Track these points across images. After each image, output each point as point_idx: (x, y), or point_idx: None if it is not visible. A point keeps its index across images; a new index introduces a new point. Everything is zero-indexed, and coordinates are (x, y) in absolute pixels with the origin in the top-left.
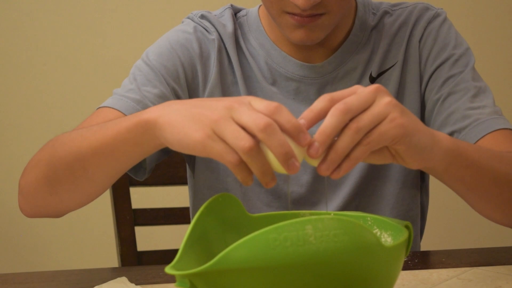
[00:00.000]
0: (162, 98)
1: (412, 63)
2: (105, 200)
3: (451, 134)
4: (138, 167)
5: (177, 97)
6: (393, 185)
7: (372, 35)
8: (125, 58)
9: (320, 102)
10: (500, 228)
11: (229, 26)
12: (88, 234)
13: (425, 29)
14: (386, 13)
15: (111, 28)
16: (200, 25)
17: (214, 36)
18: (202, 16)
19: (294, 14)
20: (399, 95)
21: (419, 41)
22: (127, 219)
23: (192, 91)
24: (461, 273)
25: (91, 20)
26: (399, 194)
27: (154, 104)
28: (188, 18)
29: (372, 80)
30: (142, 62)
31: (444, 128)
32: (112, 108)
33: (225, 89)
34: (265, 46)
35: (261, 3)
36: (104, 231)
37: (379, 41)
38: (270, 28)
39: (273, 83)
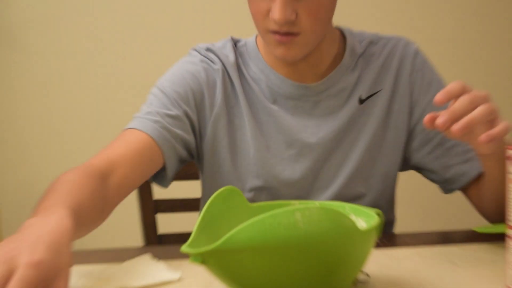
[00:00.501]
0: (176, 119)
1: (401, 94)
2: (132, 193)
3: (456, 164)
4: (163, 178)
5: (188, 117)
6: (373, 192)
7: (359, 61)
8: (146, 80)
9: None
10: (453, 215)
11: (231, 56)
12: (118, 220)
13: (413, 64)
14: (371, 42)
15: (140, 56)
16: (206, 57)
17: (218, 66)
18: (208, 49)
19: (275, 33)
20: (385, 118)
21: (410, 75)
22: (150, 207)
23: (199, 113)
24: (421, 251)
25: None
26: (377, 201)
27: (170, 124)
28: (195, 50)
29: (361, 102)
30: (157, 89)
31: (447, 157)
32: (135, 129)
33: (229, 111)
34: (264, 71)
35: (256, 32)
36: (130, 217)
37: (366, 67)
38: (267, 55)
39: (274, 102)
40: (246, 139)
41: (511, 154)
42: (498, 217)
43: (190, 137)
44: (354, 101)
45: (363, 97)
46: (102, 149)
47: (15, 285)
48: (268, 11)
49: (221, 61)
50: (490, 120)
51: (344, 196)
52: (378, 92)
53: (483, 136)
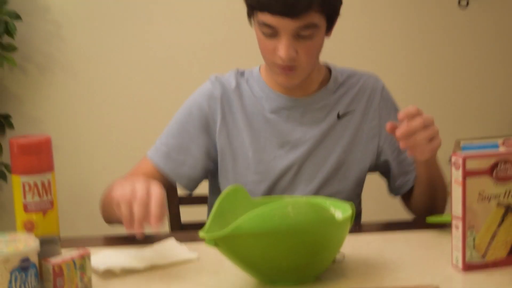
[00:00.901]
0: (181, 148)
1: (372, 117)
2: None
3: (401, 175)
4: (184, 188)
5: (197, 141)
6: (347, 191)
7: (340, 88)
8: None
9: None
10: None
11: (233, 83)
12: None
13: (381, 96)
14: (349, 76)
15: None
16: (212, 85)
17: (218, 92)
18: (216, 78)
19: (280, 65)
20: (357, 133)
21: (378, 103)
22: (175, 202)
23: (209, 133)
24: (385, 236)
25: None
26: (349, 194)
27: (177, 153)
28: (209, 79)
29: (339, 117)
30: (174, 118)
31: (397, 169)
32: (150, 159)
33: (227, 126)
34: (265, 90)
35: (261, 62)
36: None
37: (344, 92)
38: (267, 78)
39: (272, 112)
40: (245, 145)
41: (454, 160)
42: (424, 212)
43: (200, 158)
44: (334, 116)
45: (341, 113)
46: (130, 171)
47: (155, 196)
48: (274, 49)
49: (223, 87)
50: (431, 139)
51: (324, 192)
52: (352, 111)
53: (408, 153)
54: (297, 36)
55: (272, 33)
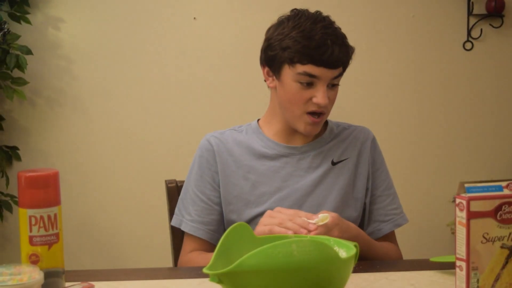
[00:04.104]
0: (207, 212)
1: (363, 163)
2: (165, 226)
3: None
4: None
5: (214, 200)
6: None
7: (334, 138)
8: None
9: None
10: (410, 250)
11: (229, 139)
12: (155, 246)
13: (371, 145)
14: (344, 128)
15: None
16: (209, 142)
17: (215, 148)
18: (211, 135)
19: (313, 115)
20: (353, 179)
21: (370, 151)
22: (179, 237)
23: (217, 180)
24: (389, 276)
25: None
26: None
27: (205, 223)
28: (204, 137)
29: (333, 164)
30: (187, 183)
31: (371, 215)
32: (190, 233)
33: (227, 173)
34: (263, 140)
35: (258, 117)
36: (164, 245)
37: (338, 142)
38: (266, 129)
39: (271, 159)
40: (244, 193)
41: (458, 201)
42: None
43: (219, 209)
44: (328, 163)
45: (335, 161)
46: (181, 254)
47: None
48: (309, 98)
49: (218, 143)
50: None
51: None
52: (346, 159)
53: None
54: (329, 85)
55: (309, 83)
